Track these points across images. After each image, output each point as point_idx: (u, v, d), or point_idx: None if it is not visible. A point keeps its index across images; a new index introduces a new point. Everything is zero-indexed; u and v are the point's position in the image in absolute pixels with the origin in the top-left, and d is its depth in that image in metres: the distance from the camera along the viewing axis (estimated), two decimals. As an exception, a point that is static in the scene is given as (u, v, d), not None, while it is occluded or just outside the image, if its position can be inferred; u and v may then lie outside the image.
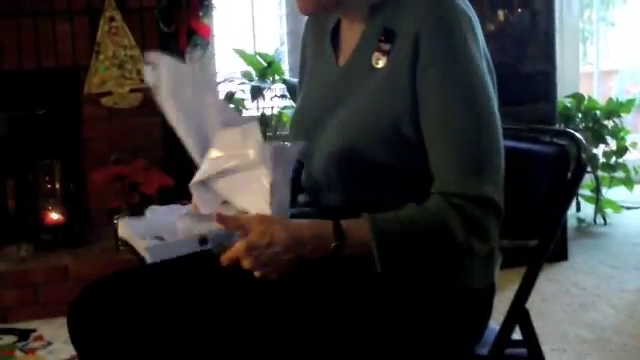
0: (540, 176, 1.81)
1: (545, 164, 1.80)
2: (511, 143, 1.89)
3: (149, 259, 1.57)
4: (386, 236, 1.50)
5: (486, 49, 1.63)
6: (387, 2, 1.64)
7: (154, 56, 1.65)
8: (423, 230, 1.51)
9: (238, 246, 1.46)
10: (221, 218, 1.49)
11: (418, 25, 1.55)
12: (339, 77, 1.71)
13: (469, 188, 1.52)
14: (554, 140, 1.85)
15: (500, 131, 1.58)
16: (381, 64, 1.60)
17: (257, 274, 1.49)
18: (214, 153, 1.59)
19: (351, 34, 1.72)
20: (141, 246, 1.59)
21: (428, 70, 1.54)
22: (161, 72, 1.63)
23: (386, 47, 1.60)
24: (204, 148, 1.61)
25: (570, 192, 1.79)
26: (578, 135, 1.80)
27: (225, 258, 1.48)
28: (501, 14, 4.26)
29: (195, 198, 1.62)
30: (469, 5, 1.62)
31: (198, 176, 1.60)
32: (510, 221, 1.76)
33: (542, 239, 1.79)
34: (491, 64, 1.63)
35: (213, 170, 1.58)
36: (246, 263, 1.47)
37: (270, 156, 1.52)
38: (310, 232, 1.50)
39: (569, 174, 1.78)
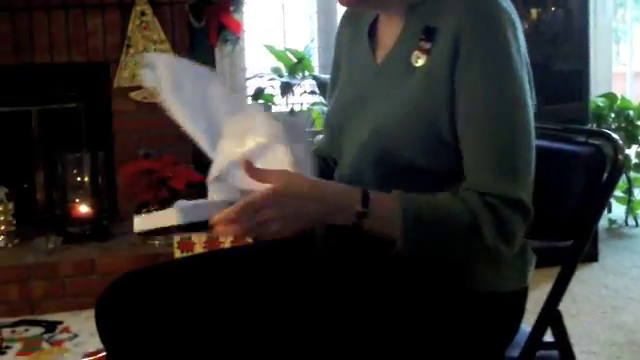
0: (575, 177, 1.78)
1: (580, 165, 1.78)
2: (546, 143, 1.86)
3: (181, 219, 1.51)
4: (413, 213, 1.47)
5: (525, 47, 1.60)
6: (428, 0, 1.62)
7: (151, 57, 1.62)
8: (452, 218, 1.49)
9: (264, 191, 1.40)
10: (248, 165, 1.43)
11: (459, 24, 1.52)
12: (377, 74, 1.68)
13: (503, 189, 1.50)
14: (589, 141, 1.83)
15: (533, 136, 1.55)
16: (420, 62, 1.58)
17: (276, 225, 1.41)
18: (226, 143, 1.54)
19: (390, 31, 1.69)
20: (170, 214, 1.52)
21: (467, 70, 1.52)
22: (159, 72, 1.61)
23: (427, 46, 1.57)
24: (214, 141, 1.57)
25: (605, 194, 1.76)
26: (615, 136, 1.77)
27: (246, 201, 1.39)
28: (534, 13, 4.23)
29: (211, 195, 1.57)
30: (510, 4, 1.60)
31: (214, 171, 1.55)
32: (544, 222, 1.73)
33: (576, 241, 1.76)
34: (528, 62, 1.61)
35: (227, 161, 1.53)
36: (269, 211, 1.39)
37: (283, 132, 1.47)
38: (337, 189, 1.48)
39: (605, 176, 1.76)
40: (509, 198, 1.49)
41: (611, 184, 1.76)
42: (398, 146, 1.57)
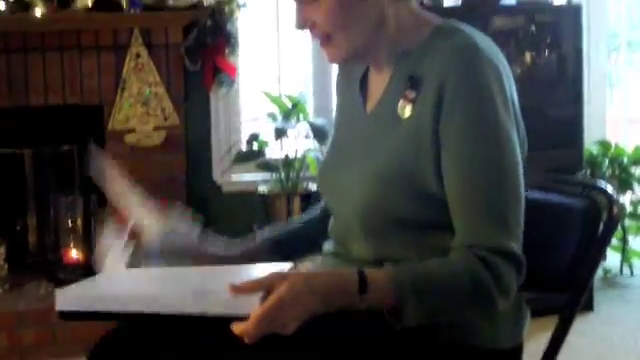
0: (570, 230, 1.77)
1: (576, 218, 1.77)
2: (540, 195, 1.86)
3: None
4: (411, 287, 1.46)
5: (515, 97, 1.60)
6: (414, 49, 1.63)
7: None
8: (451, 284, 1.48)
9: (267, 304, 1.40)
10: (237, 288, 1.42)
11: (443, 73, 1.53)
12: (366, 125, 1.69)
13: (495, 242, 1.49)
14: (584, 192, 1.82)
15: (522, 186, 1.55)
16: (407, 113, 1.59)
17: (288, 328, 1.42)
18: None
19: (379, 81, 1.70)
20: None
21: (451, 120, 1.52)
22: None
23: (412, 95, 1.59)
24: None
25: (601, 248, 1.77)
26: (610, 188, 1.77)
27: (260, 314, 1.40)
28: (528, 57, 4.24)
29: None
30: (497, 52, 1.60)
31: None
32: (539, 274, 1.72)
33: (572, 294, 1.75)
34: (518, 112, 1.61)
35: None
36: (278, 322, 1.40)
37: None
38: (333, 279, 1.48)
39: (600, 229, 1.75)
40: (502, 251, 1.48)
41: (606, 237, 1.76)
42: (385, 198, 1.57)
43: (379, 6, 1.61)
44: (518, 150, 1.55)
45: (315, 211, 1.93)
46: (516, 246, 1.50)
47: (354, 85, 1.78)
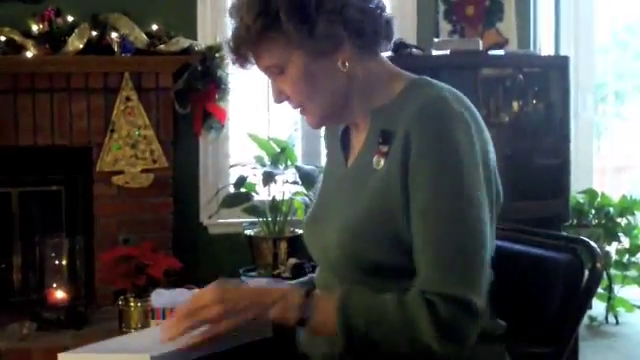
0: (554, 283, 1.78)
1: (559, 271, 1.78)
2: (523, 248, 1.87)
3: None
4: (350, 317, 1.51)
5: (488, 150, 1.61)
6: (387, 104, 1.66)
7: None
8: (390, 322, 1.51)
9: (202, 290, 1.55)
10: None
11: (410, 125, 1.56)
12: (346, 179, 1.73)
13: (445, 287, 1.50)
14: (569, 245, 1.83)
15: (487, 235, 1.55)
16: (381, 165, 1.61)
17: (213, 310, 1.51)
18: None
19: (358, 137, 1.74)
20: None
21: (415, 169, 1.55)
22: None
23: (384, 149, 1.62)
24: None
25: (584, 302, 1.76)
26: (593, 244, 1.78)
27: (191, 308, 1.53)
28: (515, 105, 4.27)
29: None
30: (469, 106, 1.62)
31: None
32: (524, 327, 1.73)
33: (555, 347, 1.75)
34: (492, 165, 1.62)
35: None
36: (207, 296, 1.53)
37: None
38: (277, 288, 1.61)
39: (583, 282, 1.75)
40: (454, 298, 1.49)
41: (590, 291, 1.77)
42: (360, 247, 1.60)
43: (345, 70, 1.64)
44: (483, 203, 1.56)
45: None
46: (471, 293, 1.50)
47: (336, 140, 1.81)
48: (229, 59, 1.70)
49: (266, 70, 1.67)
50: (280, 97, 1.69)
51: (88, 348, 1.68)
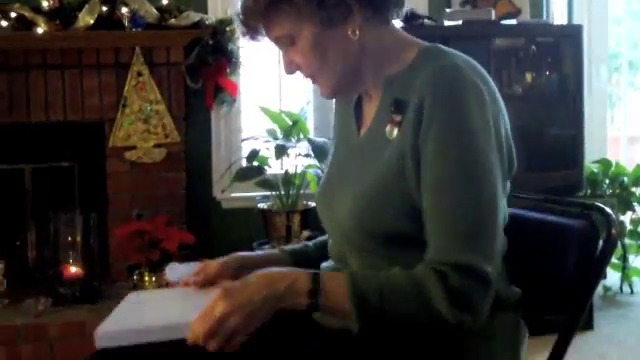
0: (569, 251, 1.77)
1: (574, 238, 1.77)
2: (540, 215, 1.86)
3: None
4: (361, 293, 1.48)
5: (502, 118, 1.60)
6: (400, 73, 1.65)
7: None
8: (401, 292, 1.49)
9: (215, 292, 1.49)
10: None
11: (423, 93, 1.55)
12: (359, 149, 1.72)
13: (457, 256, 1.49)
14: (584, 212, 1.82)
15: (499, 203, 1.54)
16: (394, 135, 1.60)
17: (234, 320, 1.46)
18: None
19: (370, 107, 1.73)
20: None
21: (428, 138, 1.53)
22: None
23: (397, 118, 1.61)
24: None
25: (599, 268, 1.75)
26: (608, 210, 1.77)
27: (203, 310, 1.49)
28: (529, 76, 4.25)
29: None
30: (482, 74, 1.61)
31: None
32: (539, 294, 1.72)
33: (571, 314, 1.74)
34: (506, 134, 1.60)
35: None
36: (221, 306, 1.46)
37: None
38: (285, 274, 1.53)
39: (598, 249, 1.74)
40: (466, 267, 1.48)
41: (605, 257, 1.76)
42: (375, 216, 1.59)
43: (355, 39, 1.62)
44: (495, 172, 1.54)
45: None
46: (482, 261, 1.49)
47: (349, 109, 1.80)
48: (239, 31, 1.70)
49: (277, 41, 1.66)
50: (291, 68, 1.68)
51: (121, 323, 1.67)
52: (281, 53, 1.70)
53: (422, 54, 1.65)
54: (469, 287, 1.47)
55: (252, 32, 1.66)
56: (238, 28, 1.69)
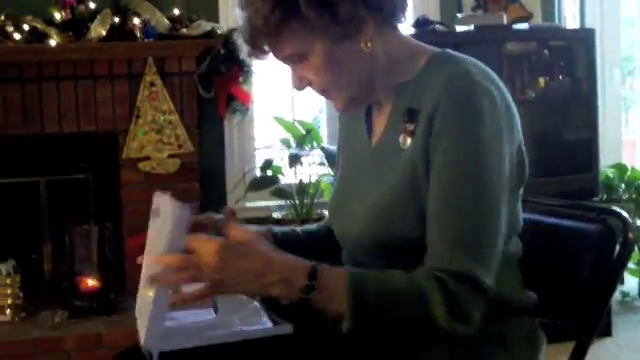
0: (586, 255, 1.77)
1: (591, 243, 1.76)
2: (556, 220, 1.85)
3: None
4: (360, 292, 1.47)
5: (515, 124, 1.59)
6: (410, 80, 1.63)
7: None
8: (400, 298, 1.48)
9: (211, 243, 1.47)
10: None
11: (435, 103, 1.53)
12: (371, 158, 1.70)
13: (456, 265, 1.48)
14: (600, 216, 1.81)
15: (502, 221, 1.53)
16: (407, 144, 1.59)
17: (217, 275, 1.46)
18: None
19: (381, 115, 1.71)
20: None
21: (439, 148, 1.52)
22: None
23: (411, 127, 1.59)
24: None
25: (617, 273, 1.75)
26: (625, 214, 1.76)
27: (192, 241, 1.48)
28: (542, 81, 4.24)
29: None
30: (494, 79, 1.59)
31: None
32: (556, 300, 1.71)
33: (588, 320, 1.73)
34: (517, 139, 1.59)
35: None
36: (210, 260, 1.45)
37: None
38: (286, 258, 1.52)
39: (615, 254, 1.74)
40: (464, 276, 1.47)
41: (622, 262, 1.75)
42: (389, 226, 1.58)
43: (367, 49, 1.59)
44: (501, 186, 1.53)
45: (318, 227, 1.95)
46: (481, 270, 1.48)
47: (358, 118, 1.78)
48: (244, 51, 1.65)
49: (285, 59, 1.62)
50: (302, 84, 1.64)
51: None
52: (290, 70, 1.65)
53: (432, 61, 1.63)
54: (467, 296, 1.47)
55: (258, 52, 1.61)
56: (242, 47, 1.64)
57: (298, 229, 1.94)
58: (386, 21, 1.61)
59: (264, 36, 1.57)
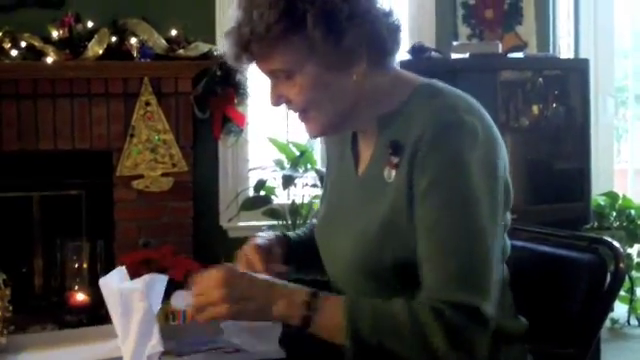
0: (577, 284, 1.77)
1: (582, 272, 1.77)
2: (548, 249, 1.86)
3: None
4: (358, 325, 1.48)
5: (500, 158, 1.57)
6: (394, 111, 1.62)
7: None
8: (400, 330, 1.47)
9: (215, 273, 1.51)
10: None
11: (419, 136, 1.52)
12: (357, 187, 1.69)
13: (453, 295, 1.47)
14: (592, 246, 1.82)
15: (494, 245, 1.53)
16: (392, 178, 1.58)
17: (223, 309, 1.49)
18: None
19: (367, 144, 1.69)
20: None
21: (420, 183, 1.52)
22: None
23: (395, 160, 1.58)
24: None
25: (607, 302, 1.75)
26: (616, 244, 1.77)
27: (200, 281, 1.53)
28: (536, 109, 4.25)
29: None
30: (479, 111, 1.58)
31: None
32: (545, 328, 1.72)
33: (578, 348, 1.74)
34: (501, 172, 1.57)
35: None
36: (217, 293, 1.48)
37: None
38: (285, 286, 1.54)
39: (606, 284, 1.74)
40: (460, 303, 1.46)
41: (613, 291, 1.75)
42: (374, 258, 1.58)
43: (357, 78, 1.57)
44: (490, 229, 1.52)
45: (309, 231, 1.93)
46: (481, 301, 1.47)
47: (345, 144, 1.75)
48: (223, 50, 1.59)
49: (270, 73, 1.58)
50: (279, 101, 1.60)
51: None
52: (270, 84, 1.61)
53: (417, 91, 1.61)
54: (466, 326, 1.46)
55: (245, 58, 1.55)
56: (224, 47, 1.58)
57: (300, 233, 1.93)
58: (380, 60, 1.59)
59: (259, 43, 1.52)
